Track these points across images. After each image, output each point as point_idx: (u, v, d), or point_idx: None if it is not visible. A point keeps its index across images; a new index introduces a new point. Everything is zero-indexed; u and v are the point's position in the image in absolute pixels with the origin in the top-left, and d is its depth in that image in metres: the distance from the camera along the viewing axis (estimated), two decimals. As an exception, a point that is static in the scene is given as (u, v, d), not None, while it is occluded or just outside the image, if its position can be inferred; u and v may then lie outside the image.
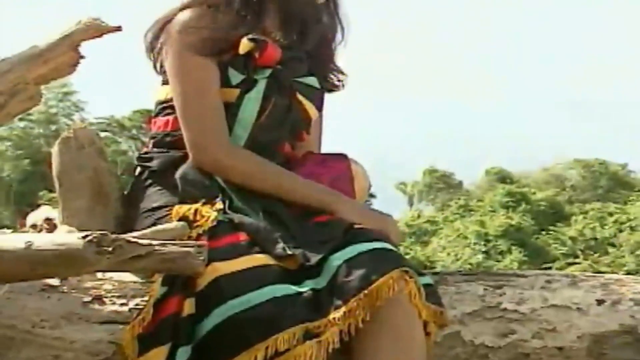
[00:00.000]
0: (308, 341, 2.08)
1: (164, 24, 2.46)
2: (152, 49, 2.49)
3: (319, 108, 2.61)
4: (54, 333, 2.15)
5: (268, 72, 2.46)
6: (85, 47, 2.30)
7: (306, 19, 2.55)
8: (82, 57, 2.28)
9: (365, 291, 2.10)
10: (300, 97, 2.52)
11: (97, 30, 2.26)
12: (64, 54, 2.24)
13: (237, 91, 2.44)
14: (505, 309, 2.36)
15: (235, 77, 2.44)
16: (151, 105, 2.58)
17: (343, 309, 2.09)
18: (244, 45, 2.42)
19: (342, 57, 2.66)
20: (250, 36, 2.43)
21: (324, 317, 2.10)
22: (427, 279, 2.25)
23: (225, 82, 2.43)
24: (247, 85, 2.45)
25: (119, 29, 2.29)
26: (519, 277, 2.46)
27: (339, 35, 2.63)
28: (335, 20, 2.62)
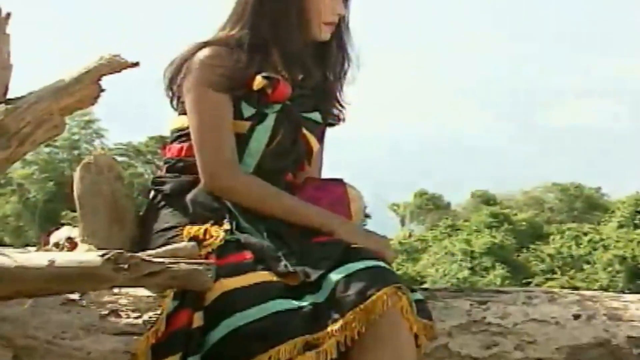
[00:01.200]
0: (308, 352, 2.07)
1: (184, 60, 2.46)
2: (172, 83, 2.49)
3: (320, 141, 2.61)
4: (73, 344, 2.14)
5: (278, 107, 2.46)
6: (105, 80, 2.30)
7: (305, 60, 2.53)
8: (102, 90, 2.28)
9: (361, 306, 2.09)
10: (305, 131, 2.52)
11: (117, 65, 2.26)
12: (86, 88, 2.24)
13: (248, 123, 2.44)
14: (489, 323, 2.35)
15: (248, 110, 2.44)
16: (165, 132, 2.58)
17: (340, 321, 2.09)
18: (258, 82, 2.42)
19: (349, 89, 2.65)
20: (264, 74, 2.43)
21: (322, 330, 2.09)
22: (418, 295, 2.25)
23: (238, 115, 2.43)
24: (258, 118, 2.44)
25: (136, 64, 2.29)
26: (502, 294, 2.44)
27: (346, 68, 2.61)
28: (343, 55, 2.60)
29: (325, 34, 2.53)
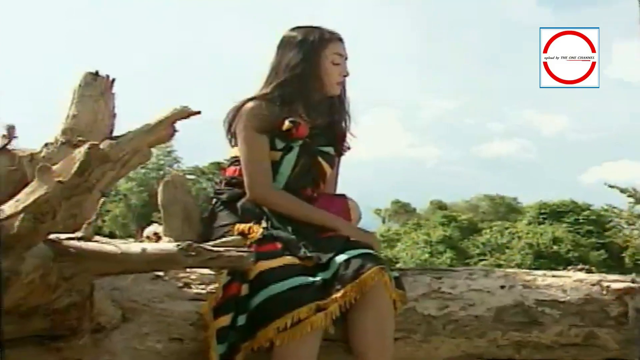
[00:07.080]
0: (319, 313, 2.05)
1: (237, 110, 2.45)
2: (230, 127, 2.48)
3: (332, 167, 2.57)
4: (160, 306, 2.12)
5: (300, 142, 2.44)
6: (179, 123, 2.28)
7: (322, 109, 2.51)
8: (176, 130, 2.26)
9: (357, 280, 2.08)
10: (320, 159, 2.50)
11: (185, 113, 2.24)
12: (164, 129, 2.22)
13: (279, 153, 2.42)
14: (443, 292, 2.33)
15: (279, 144, 2.42)
16: (220, 159, 2.58)
17: (342, 291, 2.08)
18: (286, 125, 2.41)
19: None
20: (290, 119, 2.41)
21: (329, 296, 2.08)
22: (395, 273, 2.23)
23: (272, 147, 2.42)
24: (286, 150, 2.43)
25: (199, 112, 2.28)
26: (452, 271, 2.42)
27: (346, 111, 2.56)
28: (342, 105, 2.56)
29: (337, 90, 2.52)
